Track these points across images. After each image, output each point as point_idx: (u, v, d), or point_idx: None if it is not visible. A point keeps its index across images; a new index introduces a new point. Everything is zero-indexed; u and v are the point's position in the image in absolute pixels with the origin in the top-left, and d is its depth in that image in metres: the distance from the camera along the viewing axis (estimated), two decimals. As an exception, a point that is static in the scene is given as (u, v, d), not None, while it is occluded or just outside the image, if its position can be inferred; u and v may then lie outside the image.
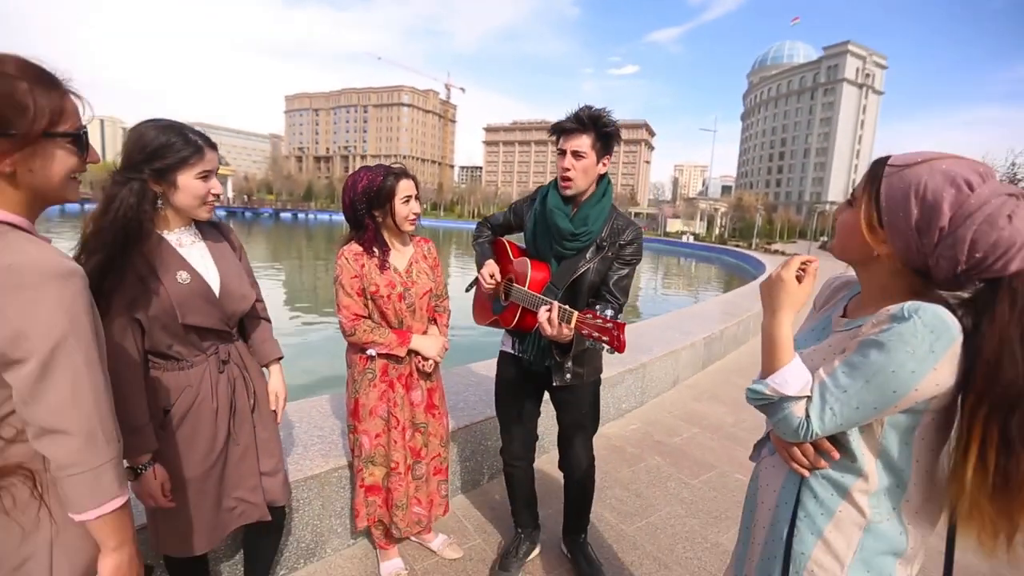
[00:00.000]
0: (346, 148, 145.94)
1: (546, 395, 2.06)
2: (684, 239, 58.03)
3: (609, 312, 1.40)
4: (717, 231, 71.84)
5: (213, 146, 1.41)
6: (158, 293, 1.31)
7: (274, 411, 1.66)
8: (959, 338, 0.78)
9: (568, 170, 1.73)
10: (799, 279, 0.95)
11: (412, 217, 1.86)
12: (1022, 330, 0.75)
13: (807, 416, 0.86)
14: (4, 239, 0.80)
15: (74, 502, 0.84)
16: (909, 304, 0.81)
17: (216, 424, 1.44)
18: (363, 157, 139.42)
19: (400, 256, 1.92)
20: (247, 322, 1.66)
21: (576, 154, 1.71)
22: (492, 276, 1.88)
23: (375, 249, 1.84)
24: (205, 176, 1.37)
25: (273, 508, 1.61)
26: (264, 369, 1.68)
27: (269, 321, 1.73)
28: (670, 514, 2.64)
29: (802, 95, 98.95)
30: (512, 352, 2.02)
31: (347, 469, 2.16)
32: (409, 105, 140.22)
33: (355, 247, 1.84)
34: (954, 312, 0.81)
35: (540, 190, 1.92)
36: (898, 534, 0.89)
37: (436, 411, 2.04)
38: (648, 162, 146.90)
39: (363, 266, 1.82)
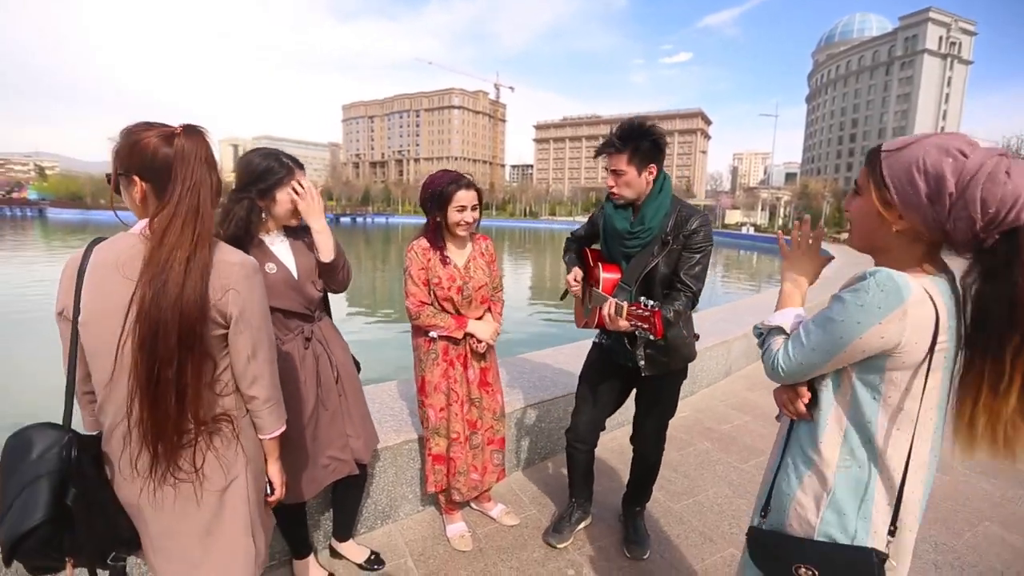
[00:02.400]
0: (400, 152, 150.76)
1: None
2: (744, 230, 55.60)
3: (652, 303, 1.55)
4: (780, 221, 68.21)
5: (300, 166, 1.73)
6: None
7: (358, 377, 1.97)
8: (909, 300, 0.87)
9: (613, 187, 1.93)
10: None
11: (463, 224, 2.07)
12: None
13: (778, 352, 1.04)
14: (220, 245, 1.13)
15: (268, 426, 1.23)
16: (871, 268, 0.93)
17: (305, 392, 1.75)
18: (416, 160, 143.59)
19: (460, 253, 2.18)
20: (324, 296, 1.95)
21: (615, 172, 1.89)
22: (576, 280, 2.12)
23: (439, 244, 2.10)
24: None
25: (359, 464, 1.92)
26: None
27: None
28: (717, 494, 2.74)
29: (875, 71, 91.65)
30: (601, 343, 2.24)
31: (416, 443, 2.44)
32: (459, 107, 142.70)
33: (423, 242, 2.11)
34: (953, 281, 0.93)
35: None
36: (868, 479, 0.97)
37: (489, 388, 2.29)
38: (704, 152, 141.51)
39: (429, 260, 2.09)
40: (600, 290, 1.96)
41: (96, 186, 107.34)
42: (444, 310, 2.14)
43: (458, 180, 2.05)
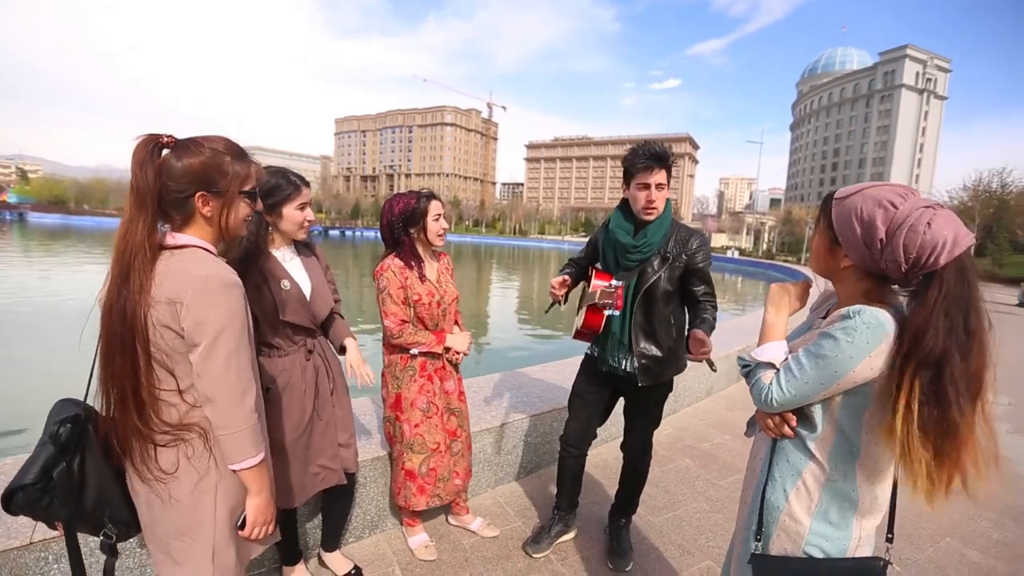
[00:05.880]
0: (391, 167, 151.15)
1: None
2: (729, 254, 56.58)
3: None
4: (764, 246, 69.69)
5: (307, 184, 1.85)
6: (267, 296, 1.73)
7: (348, 391, 2.05)
8: (892, 333, 1.01)
9: (653, 202, 2.06)
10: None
11: (441, 232, 2.22)
12: (946, 308, 0.95)
13: (770, 385, 1.13)
14: (200, 257, 1.16)
15: (229, 455, 1.17)
16: (854, 307, 1.05)
17: (304, 402, 1.83)
18: (408, 176, 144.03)
19: (432, 268, 2.28)
20: (327, 319, 2.04)
21: (659, 186, 2.05)
22: (559, 284, 2.27)
23: (413, 262, 2.18)
24: (302, 207, 1.82)
25: (347, 474, 2.00)
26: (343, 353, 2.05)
27: (343, 318, 2.12)
28: (696, 509, 2.84)
29: (856, 103, 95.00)
30: (592, 354, 2.37)
31: (405, 454, 2.51)
32: (452, 124, 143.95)
33: (398, 261, 2.17)
34: (898, 312, 1.04)
35: (609, 216, 2.27)
36: (852, 491, 1.10)
37: (463, 397, 2.44)
38: (692, 176, 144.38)
39: (407, 278, 2.16)
40: (590, 290, 2.13)
41: (81, 191, 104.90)
42: (423, 326, 2.23)
43: (424, 194, 2.19)
